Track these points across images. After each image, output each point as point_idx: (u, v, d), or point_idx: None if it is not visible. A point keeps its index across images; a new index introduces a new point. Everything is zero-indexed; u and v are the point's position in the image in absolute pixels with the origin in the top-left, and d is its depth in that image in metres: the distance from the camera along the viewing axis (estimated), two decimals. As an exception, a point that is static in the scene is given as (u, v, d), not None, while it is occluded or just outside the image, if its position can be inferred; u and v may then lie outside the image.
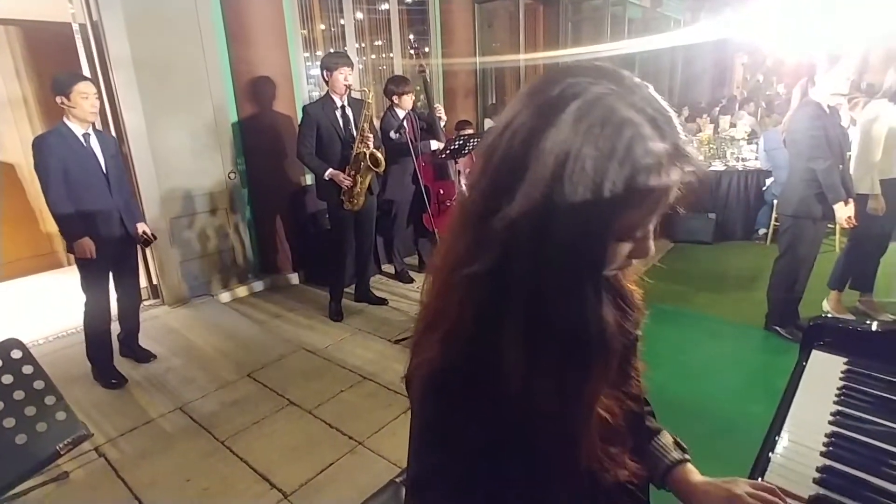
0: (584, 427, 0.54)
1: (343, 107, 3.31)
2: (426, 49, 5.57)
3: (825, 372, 1.12)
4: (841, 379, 1.09)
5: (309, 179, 4.29)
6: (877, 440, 0.90)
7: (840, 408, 1.00)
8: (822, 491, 0.81)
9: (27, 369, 1.63)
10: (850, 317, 3.14)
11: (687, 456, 0.81)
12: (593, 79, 0.49)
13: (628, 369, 0.69)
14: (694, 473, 0.78)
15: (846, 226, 2.85)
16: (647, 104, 0.49)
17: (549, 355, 0.51)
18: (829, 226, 3.15)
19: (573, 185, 0.46)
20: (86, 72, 3.29)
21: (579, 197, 0.46)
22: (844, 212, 2.76)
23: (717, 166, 5.13)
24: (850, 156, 3.02)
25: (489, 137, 0.53)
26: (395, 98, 3.81)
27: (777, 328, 3.11)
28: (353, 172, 3.27)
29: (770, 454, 0.90)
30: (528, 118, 0.49)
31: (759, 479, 0.84)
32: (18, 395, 1.57)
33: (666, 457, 0.80)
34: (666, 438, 0.83)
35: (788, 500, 0.78)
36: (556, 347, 0.50)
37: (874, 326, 1.19)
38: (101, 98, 2.74)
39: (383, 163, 3.32)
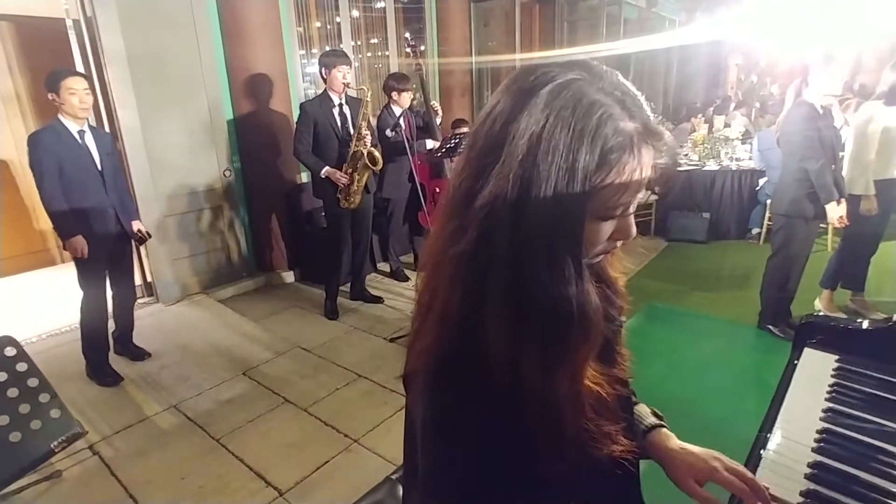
0: (568, 401, 0.55)
1: (341, 105, 3.31)
2: (422, 48, 5.55)
3: (817, 369, 1.13)
4: (832, 376, 1.10)
5: (305, 177, 4.29)
6: (867, 437, 0.92)
7: (831, 405, 1.01)
8: (813, 486, 0.82)
9: (21, 367, 1.62)
10: (842, 315, 3.16)
11: (663, 423, 0.82)
12: (565, 68, 0.53)
13: (615, 354, 0.70)
14: (671, 438, 0.79)
15: (838, 225, 2.87)
16: (615, 88, 0.52)
17: (532, 331, 0.51)
18: (822, 225, 3.18)
19: (546, 164, 0.49)
20: (79, 68, 3.27)
21: (552, 175, 0.49)
22: (836, 211, 2.79)
23: (712, 166, 5.15)
24: (842, 156, 3.05)
25: (474, 127, 0.56)
26: (393, 94, 3.80)
27: (770, 326, 3.13)
28: (350, 170, 3.26)
29: (762, 450, 0.91)
30: (505, 104, 0.52)
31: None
32: (12, 392, 1.57)
33: (642, 422, 0.81)
34: (643, 408, 0.84)
35: (779, 495, 0.79)
36: (538, 323, 0.51)
37: (865, 325, 1.21)
38: (94, 94, 2.72)
39: (381, 161, 3.31)
